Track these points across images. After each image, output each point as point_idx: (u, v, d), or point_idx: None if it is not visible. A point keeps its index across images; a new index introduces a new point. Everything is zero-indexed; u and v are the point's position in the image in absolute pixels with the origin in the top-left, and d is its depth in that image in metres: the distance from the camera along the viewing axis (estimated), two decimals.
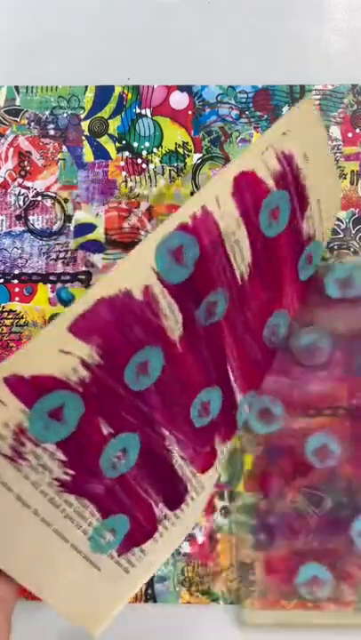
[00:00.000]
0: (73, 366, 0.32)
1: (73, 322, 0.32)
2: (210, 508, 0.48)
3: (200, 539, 0.48)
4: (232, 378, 0.41)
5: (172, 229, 0.33)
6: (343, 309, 0.45)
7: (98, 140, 0.49)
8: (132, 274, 0.33)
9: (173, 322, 0.36)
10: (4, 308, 0.49)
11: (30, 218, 0.49)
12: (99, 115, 0.49)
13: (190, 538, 0.48)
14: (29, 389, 0.32)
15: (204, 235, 0.35)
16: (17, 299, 0.49)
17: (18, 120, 0.49)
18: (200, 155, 0.49)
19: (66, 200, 0.49)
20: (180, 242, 0.34)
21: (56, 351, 0.32)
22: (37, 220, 0.49)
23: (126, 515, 0.38)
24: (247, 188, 0.36)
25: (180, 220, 0.34)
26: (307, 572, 0.45)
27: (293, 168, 0.38)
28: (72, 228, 0.49)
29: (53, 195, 0.49)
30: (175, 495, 0.40)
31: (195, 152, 0.49)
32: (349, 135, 0.48)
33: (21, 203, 0.49)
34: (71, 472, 0.35)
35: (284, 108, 0.48)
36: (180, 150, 0.49)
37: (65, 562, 0.37)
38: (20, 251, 0.49)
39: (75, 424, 0.34)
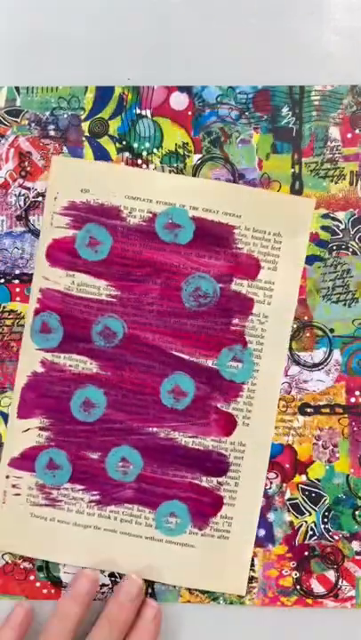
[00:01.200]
0: (37, 435, 0.48)
1: (16, 412, 0.49)
2: None
3: None
4: (186, 357, 0.48)
5: (31, 317, 0.48)
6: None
7: (98, 140, 0.49)
8: (28, 360, 0.49)
9: (82, 364, 0.48)
10: (4, 308, 0.49)
11: (31, 218, 0.49)
12: (99, 115, 0.49)
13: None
14: (23, 464, 0.49)
15: (52, 303, 0.48)
16: (17, 299, 0.49)
17: (18, 121, 0.49)
18: (200, 155, 0.49)
19: None
20: (40, 321, 0.48)
21: (19, 434, 0.49)
22: (38, 221, 0.49)
23: (173, 499, 0.48)
24: (56, 252, 0.48)
25: (33, 307, 0.48)
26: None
27: (80, 208, 0.48)
28: None
29: None
30: (213, 464, 0.48)
31: (195, 153, 0.49)
32: (349, 136, 0.48)
33: (22, 203, 0.49)
34: (95, 492, 0.48)
35: (284, 109, 0.48)
36: (180, 151, 0.49)
37: (158, 551, 0.48)
38: (20, 251, 0.49)
39: (69, 465, 0.48)
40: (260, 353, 0.48)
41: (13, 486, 0.48)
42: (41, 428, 0.48)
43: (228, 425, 0.48)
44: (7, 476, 0.49)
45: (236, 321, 0.48)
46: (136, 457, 0.48)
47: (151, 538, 0.48)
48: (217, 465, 0.48)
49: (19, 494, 0.48)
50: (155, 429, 0.48)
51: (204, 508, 0.48)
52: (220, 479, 0.48)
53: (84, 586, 0.47)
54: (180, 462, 0.48)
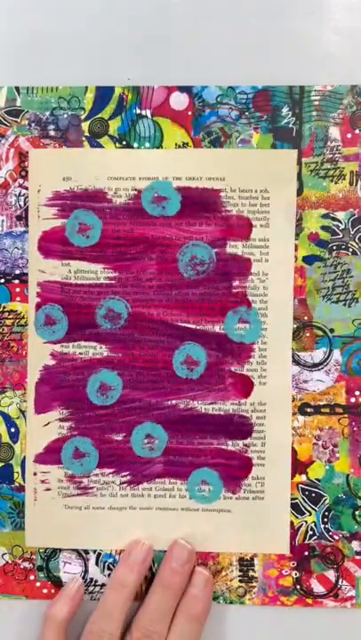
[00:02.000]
0: (58, 427, 0.49)
1: (34, 408, 0.49)
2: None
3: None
4: (193, 326, 0.49)
5: (33, 313, 0.49)
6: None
7: (98, 140, 0.49)
8: (37, 355, 0.49)
9: (92, 349, 0.49)
10: (4, 307, 0.49)
11: None
12: (99, 115, 0.49)
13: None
14: (48, 458, 0.49)
15: (53, 295, 0.49)
16: (17, 299, 0.49)
17: (18, 121, 0.49)
18: None
19: None
20: (43, 314, 0.49)
21: (40, 429, 0.49)
22: None
23: (203, 467, 0.48)
24: (47, 243, 0.49)
25: (34, 302, 0.49)
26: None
27: (65, 196, 0.49)
28: None
29: None
30: (236, 427, 0.48)
31: None
32: (349, 136, 0.48)
33: (22, 203, 0.49)
34: (125, 473, 0.49)
35: (284, 109, 0.48)
36: None
37: (196, 521, 0.48)
38: (20, 251, 0.49)
39: (95, 451, 0.49)
40: (265, 311, 0.48)
41: (42, 482, 0.49)
42: (61, 420, 0.49)
43: (244, 387, 0.48)
44: (35, 473, 0.49)
45: (236, 283, 0.48)
46: (160, 431, 0.49)
47: (187, 509, 0.48)
48: (240, 427, 0.48)
49: (49, 489, 0.49)
50: (174, 402, 0.48)
51: (235, 472, 0.48)
52: (245, 441, 0.48)
53: (140, 554, 0.47)
54: (203, 430, 0.48)
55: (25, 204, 0.49)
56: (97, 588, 0.49)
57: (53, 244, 0.49)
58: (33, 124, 0.49)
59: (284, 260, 0.48)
